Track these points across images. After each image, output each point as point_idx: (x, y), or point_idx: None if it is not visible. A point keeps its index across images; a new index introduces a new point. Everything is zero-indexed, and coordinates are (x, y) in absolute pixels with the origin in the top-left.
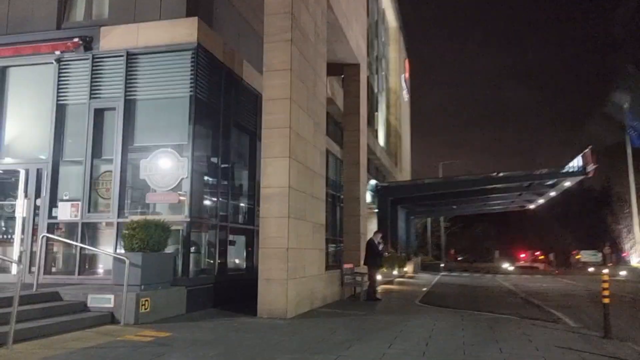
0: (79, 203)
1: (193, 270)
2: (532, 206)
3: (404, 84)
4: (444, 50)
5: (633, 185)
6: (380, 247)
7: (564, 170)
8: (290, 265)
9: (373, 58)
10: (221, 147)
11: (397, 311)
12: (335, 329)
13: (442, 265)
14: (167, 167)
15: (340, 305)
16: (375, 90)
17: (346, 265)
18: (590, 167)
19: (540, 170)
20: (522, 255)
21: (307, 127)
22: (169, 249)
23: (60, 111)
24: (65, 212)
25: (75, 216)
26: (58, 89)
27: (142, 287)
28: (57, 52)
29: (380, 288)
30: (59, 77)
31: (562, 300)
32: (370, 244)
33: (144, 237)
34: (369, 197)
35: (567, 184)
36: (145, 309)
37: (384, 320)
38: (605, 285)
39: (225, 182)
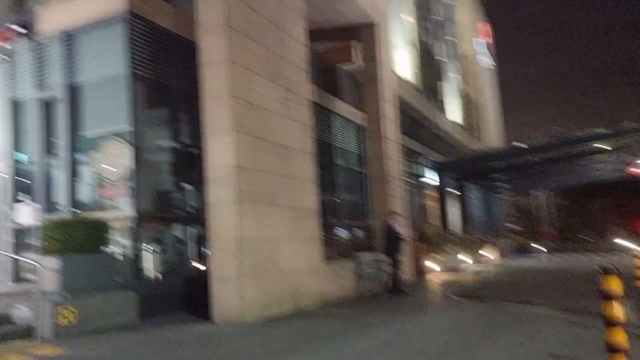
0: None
1: (152, 271)
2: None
3: (481, 49)
4: (543, 9)
5: None
6: (402, 230)
7: None
8: (245, 260)
9: (434, 23)
10: (181, 128)
11: (408, 308)
12: (292, 334)
13: (539, 247)
14: (114, 158)
15: (346, 304)
16: (441, 59)
17: (366, 254)
18: None
19: (628, 123)
20: None
21: (270, 95)
22: (123, 249)
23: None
24: (24, 216)
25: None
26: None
27: (64, 294)
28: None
29: (440, 276)
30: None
31: None
32: (388, 228)
33: (62, 238)
34: (434, 176)
35: None
36: (66, 319)
37: (368, 322)
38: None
39: (194, 170)
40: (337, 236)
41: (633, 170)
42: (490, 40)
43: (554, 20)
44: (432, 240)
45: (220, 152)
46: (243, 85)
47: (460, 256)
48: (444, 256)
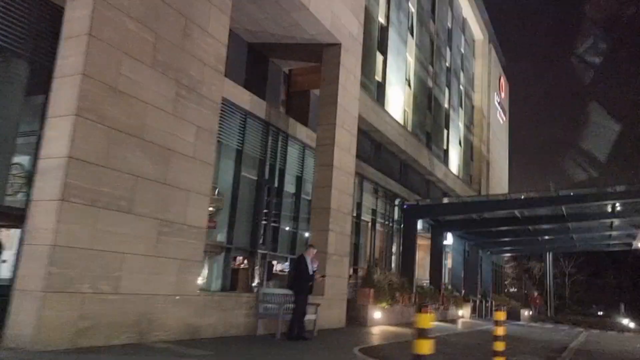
0: None
1: None
2: None
3: (497, 105)
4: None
5: None
6: (314, 266)
7: None
8: (57, 272)
9: (441, 68)
10: (32, 109)
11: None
12: None
13: (527, 312)
14: None
15: (220, 343)
16: (446, 105)
17: (271, 290)
18: None
19: (616, 187)
20: None
21: (152, 87)
22: None
23: None
24: None
25: None
26: None
27: None
28: None
29: (379, 329)
30: None
31: None
32: (298, 262)
33: None
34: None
35: None
36: None
37: None
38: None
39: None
40: (267, 267)
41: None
42: (504, 96)
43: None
44: (380, 286)
45: (55, 139)
46: (107, 67)
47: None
48: (397, 307)
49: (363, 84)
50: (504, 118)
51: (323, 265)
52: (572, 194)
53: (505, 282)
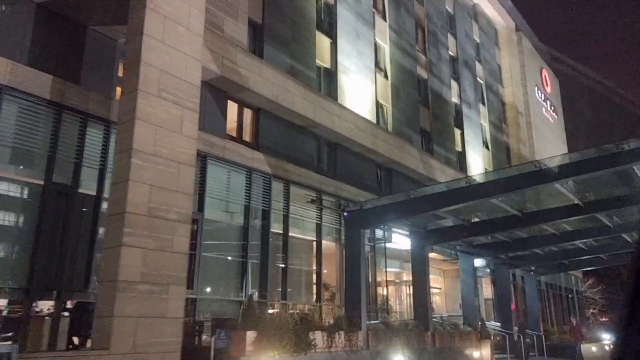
0: None
1: None
2: None
3: (540, 101)
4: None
5: None
6: None
7: None
8: None
9: (440, 57)
10: None
11: None
12: None
13: (593, 347)
14: None
15: None
16: (454, 100)
17: None
18: None
19: (629, 142)
20: None
21: None
22: None
23: None
24: None
25: None
26: None
27: None
28: None
29: None
30: None
31: None
32: None
33: None
34: (404, 241)
35: None
36: None
37: None
38: None
39: None
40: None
41: None
42: (551, 91)
43: None
44: (274, 325)
45: None
46: None
47: (391, 353)
48: (316, 353)
49: (292, 69)
50: (555, 116)
51: (112, 301)
52: (562, 164)
53: (592, 311)
